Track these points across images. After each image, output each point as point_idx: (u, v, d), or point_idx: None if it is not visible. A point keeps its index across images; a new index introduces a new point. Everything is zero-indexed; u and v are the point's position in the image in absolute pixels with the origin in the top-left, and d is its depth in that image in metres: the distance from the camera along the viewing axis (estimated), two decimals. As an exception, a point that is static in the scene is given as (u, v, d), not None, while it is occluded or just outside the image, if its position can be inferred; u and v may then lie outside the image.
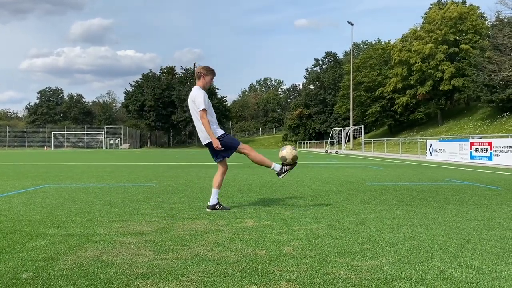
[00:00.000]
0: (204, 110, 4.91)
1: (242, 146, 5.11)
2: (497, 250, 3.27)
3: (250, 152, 5.09)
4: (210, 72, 5.17)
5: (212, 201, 5.08)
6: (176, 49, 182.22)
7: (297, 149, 5.37)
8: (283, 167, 5.04)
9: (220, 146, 4.92)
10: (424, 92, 47.55)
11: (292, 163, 5.05)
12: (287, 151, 5.09)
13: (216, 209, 5.04)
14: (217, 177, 5.19)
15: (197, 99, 4.96)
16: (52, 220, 4.46)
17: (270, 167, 5.07)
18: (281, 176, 5.08)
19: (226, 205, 5.36)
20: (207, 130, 4.92)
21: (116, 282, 2.52)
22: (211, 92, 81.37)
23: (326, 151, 39.64)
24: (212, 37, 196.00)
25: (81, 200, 6.04)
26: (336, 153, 35.44)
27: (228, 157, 5.21)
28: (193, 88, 5.17)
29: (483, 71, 36.19)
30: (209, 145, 5.07)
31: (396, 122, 56.11)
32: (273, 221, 4.40)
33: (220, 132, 5.08)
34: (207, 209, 5.05)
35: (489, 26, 46.46)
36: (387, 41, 60.43)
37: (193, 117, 5.17)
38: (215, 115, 5.22)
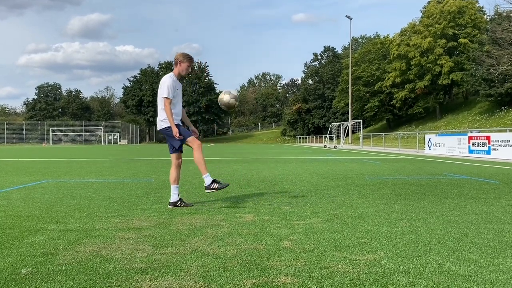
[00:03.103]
0: (167, 98, 4.87)
1: (193, 139, 4.98)
2: (495, 243, 3.28)
3: (197, 149, 4.95)
4: (187, 59, 5.10)
5: (173, 198, 4.96)
6: (175, 44, 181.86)
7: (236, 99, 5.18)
8: (213, 183, 4.87)
9: (178, 134, 4.86)
10: (423, 87, 47.56)
11: (216, 183, 4.89)
12: (229, 96, 5.12)
13: (178, 206, 4.94)
14: (172, 173, 5.07)
15: (163, 86, 4.93)
16: (51, 216, 4.46)
17: (202, 175, 4.95)
18: (207, 191, 4.94)
19: (189, 202, 5.21)
20: (168, 117, 4.87)
21: (115, 277, 2.53)
22: (209, 87, 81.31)
23: (325, 146, 39.67)
24: (211, 32, 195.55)
25: (79, 195, 6.04)
26: (335, 147, 35.47)
27: (180, 150, 5.08)
28: (165, 75, 5.10)
29: (481, 65, 36.19)
30: (165, 133, 5.00)
31: (394, 117, 56.16)
32: (272, 216, 4.41)
33: (176, 123, 4.98)
34: (169, 206, 4.98)
35: (487, 20, 46.41)
36: (385, 36, 60.38)
37: (158, 102, 5.04)
38: (180, 107, 5.13)
